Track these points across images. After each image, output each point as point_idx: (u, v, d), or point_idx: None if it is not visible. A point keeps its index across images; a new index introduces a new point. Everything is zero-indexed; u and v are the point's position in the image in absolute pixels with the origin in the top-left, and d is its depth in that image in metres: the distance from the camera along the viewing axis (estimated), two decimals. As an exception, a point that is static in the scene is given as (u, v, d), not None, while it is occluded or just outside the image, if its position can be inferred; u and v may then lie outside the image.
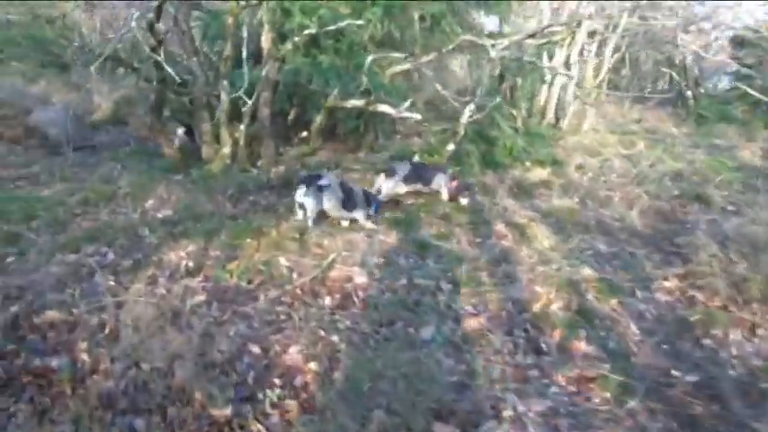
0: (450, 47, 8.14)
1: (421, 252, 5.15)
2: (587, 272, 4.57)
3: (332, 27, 6.23)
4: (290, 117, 8.47)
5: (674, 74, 19.59)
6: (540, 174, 8.32)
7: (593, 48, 11.35)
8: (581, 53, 11.10)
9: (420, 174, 6.64)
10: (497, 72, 7.42)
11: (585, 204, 6.93)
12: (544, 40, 7.87)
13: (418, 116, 6.63)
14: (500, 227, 5.92)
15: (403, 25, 7.57)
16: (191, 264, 4.50)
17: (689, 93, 18.33)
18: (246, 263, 4.57)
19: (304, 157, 7.22)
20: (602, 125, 12.94)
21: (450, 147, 7.60)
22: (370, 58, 5.71)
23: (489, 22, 10.71)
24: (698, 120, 15.52)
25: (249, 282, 4.27)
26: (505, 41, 6.86)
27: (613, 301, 4.21)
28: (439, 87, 6.98)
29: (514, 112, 8.90)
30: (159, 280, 4.09)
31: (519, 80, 9.62)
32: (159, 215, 5.74)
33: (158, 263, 4.50)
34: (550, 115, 10.65)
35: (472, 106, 7.47)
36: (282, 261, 4.65)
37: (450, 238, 5.56)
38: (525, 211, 6.45)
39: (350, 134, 8.05)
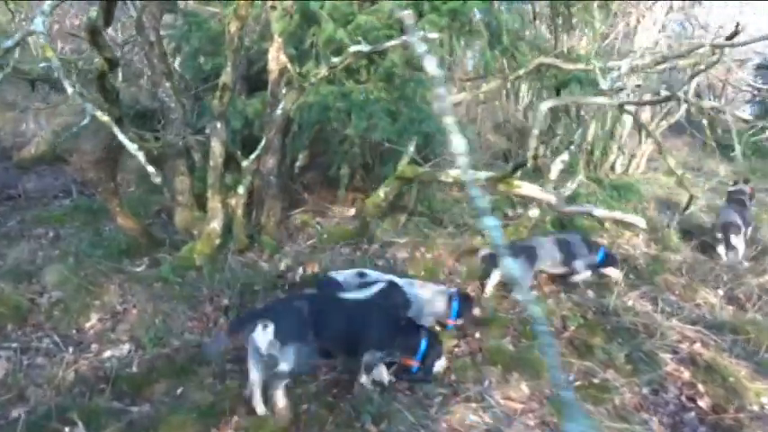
0: (522, 71, 5.98)
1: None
2: None
3: (394, 42, 3.87)
4: (298, 164, 6.08)
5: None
6: (635, 243, 6.15)
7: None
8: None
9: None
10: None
11: (738, 302, 4.76)
12: (667, 65, 5.74)
13: (641, 222, 4.40)
14: (671, 363, 3.67)
15: (469, 41, 5.35)
16: None
17: (704, 122, 16.93)
18: None
19: (338, 237, 4.78)
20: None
21: (535, 212, 5.37)
22: (548, 104, 3.31)
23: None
24: (722, 152, 13.88)
25: None
26: (623, 66, 4.72)
27: None
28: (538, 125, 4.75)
29: (590, 157, 6.80)
30: None
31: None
32: (106, 357, 3.30)
33: None
34: (611, 158, 8.64)
35: (565, 157, 5.29)
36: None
37: (604, 396, 3.27)
38: (680, 323, 4.19)
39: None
